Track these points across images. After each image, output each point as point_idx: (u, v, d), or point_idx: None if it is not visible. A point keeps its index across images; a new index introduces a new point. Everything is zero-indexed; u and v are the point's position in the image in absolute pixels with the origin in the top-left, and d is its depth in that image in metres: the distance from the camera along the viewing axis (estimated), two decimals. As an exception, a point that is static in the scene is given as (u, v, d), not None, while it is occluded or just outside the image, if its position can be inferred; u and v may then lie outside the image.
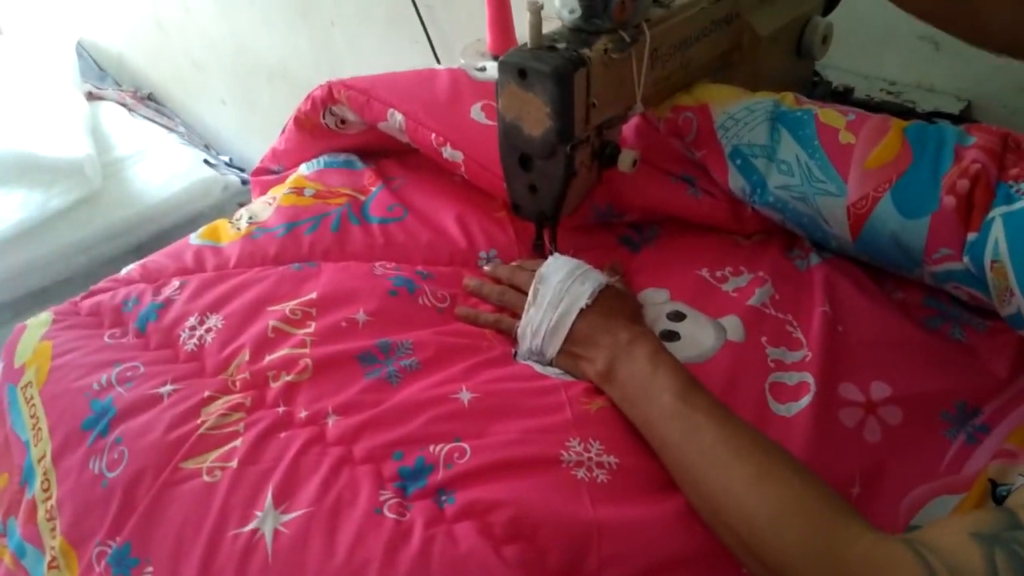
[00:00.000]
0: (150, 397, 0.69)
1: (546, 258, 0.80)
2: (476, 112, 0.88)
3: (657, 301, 0.78)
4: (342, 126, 0.96)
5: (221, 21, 2.16)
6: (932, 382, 0.68)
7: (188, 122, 2.54)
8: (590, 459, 0.62)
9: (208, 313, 0.76)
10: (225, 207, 2.19)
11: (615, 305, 0.73)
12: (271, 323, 0.74)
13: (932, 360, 0.70)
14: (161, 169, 2.18)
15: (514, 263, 0.82)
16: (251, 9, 2.04)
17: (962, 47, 1.03)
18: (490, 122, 0.86)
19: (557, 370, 0.72)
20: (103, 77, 2.65)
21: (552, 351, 0.71)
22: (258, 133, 2.35)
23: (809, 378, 0.67)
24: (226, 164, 2.35)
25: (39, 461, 0.69)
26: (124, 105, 2.48)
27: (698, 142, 0.80)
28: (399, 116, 0.88)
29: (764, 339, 0.71)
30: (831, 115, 0.76)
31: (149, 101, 2.59)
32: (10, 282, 1.92)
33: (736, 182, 0.78)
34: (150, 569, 0.59)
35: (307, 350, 0.71)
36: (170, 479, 0.63)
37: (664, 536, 0.58)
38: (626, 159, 0.73)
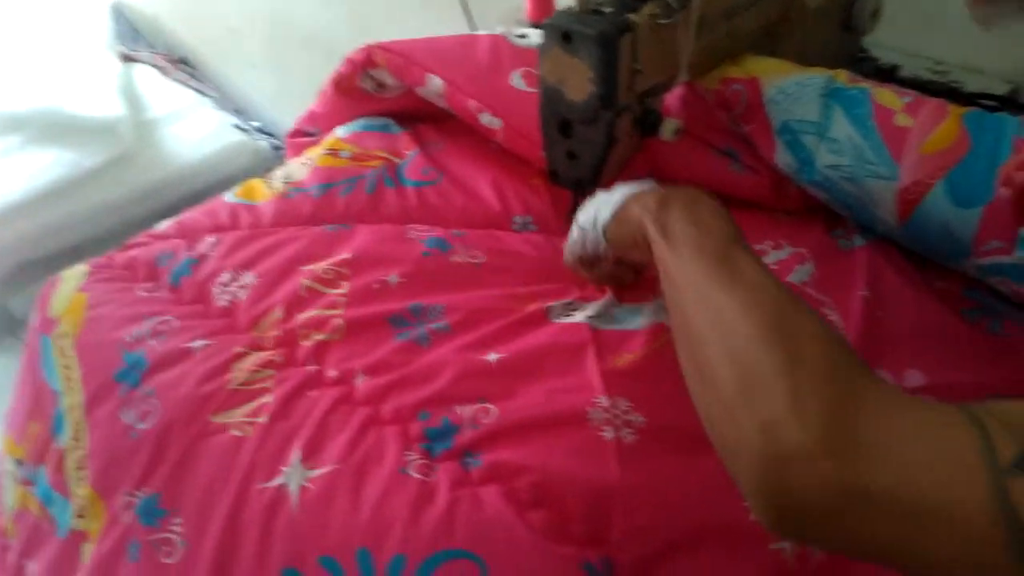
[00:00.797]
0: (182, 351, 0.70)
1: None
2: (516, 79, 0.87)
3: None
4: (380, 90, 0.96)
5: (257, -15, 2.15)
6: (967, 374, 0.67)
7: (221, 86, 2.54)
8: (617, 417, 0.62)
9: (241, 270, 0.77)
10: (255, 172, 2.15)
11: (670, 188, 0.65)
12: (304, 282, 0.74)
13: (969, 352, 0.68)
14: (193, 132, 2.18)
15: None
16: (287, -27, 2.03)
17: (1011, 28, 1.01)
18: (530, 89, 0.85)
19: (592, 309, 0.71)
20: (137, 39, 2.65)
21: (606, 214, 0.66)
22: (291, 100, 2.33)
23: None
24: (257, 130, 2.35)
25: (70, 411, 0.70)
26: (157, 68, 2.48)
27: (746, 115, 0.79)
28: (438, 81, 0.88)
29: None
30: (887, 96, 0.74)
31: (183, 65, 2.59)
32: (43, 240, 1.93)
33: (783, 158, 0.77)
34: (178, 520, 0.60)
35: (339, 311, 0.71)
36: (200, 432, 0.64)
37: (690, 505, 0.58)
38: (668, 128, 0.72)
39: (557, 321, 0.71)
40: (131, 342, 0.72)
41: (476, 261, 0.78)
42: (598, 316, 0.71)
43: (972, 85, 1.01)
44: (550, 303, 0.73)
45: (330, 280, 0.74)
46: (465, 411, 0.63)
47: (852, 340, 0.67)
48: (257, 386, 0.66)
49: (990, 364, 0.68)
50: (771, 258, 0.76)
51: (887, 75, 0.97)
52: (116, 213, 1.99)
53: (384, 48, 0.91)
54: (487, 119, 0.85)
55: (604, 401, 0.62)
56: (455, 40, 0.96)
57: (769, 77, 0.78)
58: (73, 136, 2.05)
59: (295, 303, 0.73)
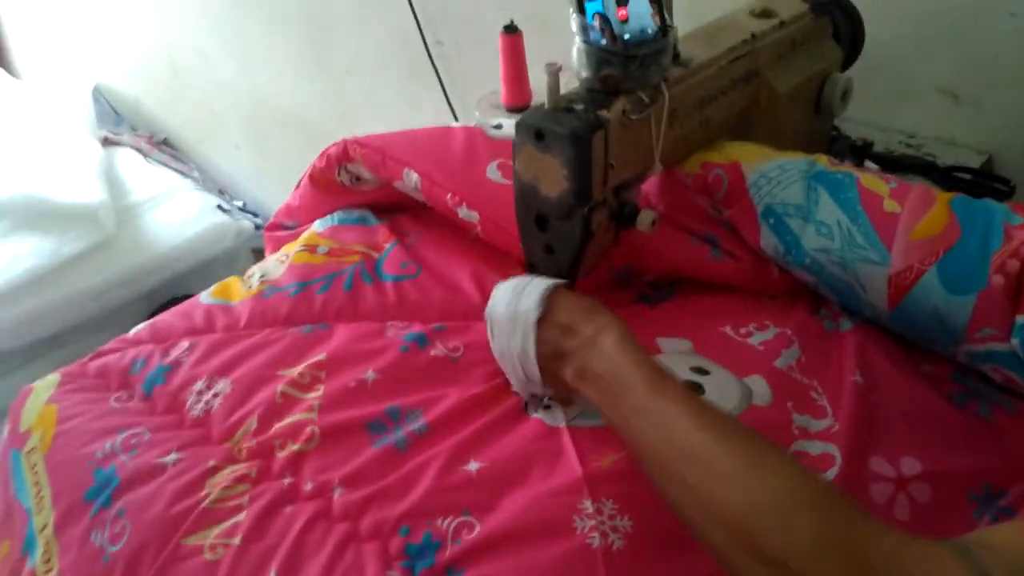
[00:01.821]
0: (154, 466, 0.68)
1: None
2: (492, 171, 0.87)
3: (679, 350, 0.75)
4: (357, 183, 0.96)
5: (237, 69, 2.18)
6: (961, 460, 0.65)
7: (202, 167, 2.56)
8: (603, 523, 0.59)
9: (216, 377, 0.75)
10: (238, 252, 2.19)
11: (569, 303, 0.67)
12: (279, 388, 0.73)
13: (961, 438, 0.67)
14: (175, 214, 2.18)
15: None
16: (267, 57, 2.05)
17: (982, 99, 1.03)
18: (506, 181, 0.85)
19: (570, 412, 0.70)
20: (119, 122, 2.67)
21: (537, 376, 0.66)
22: (272, 178, 2.36)
23: (834, 450, 0.64)
24: (240, 209, 2.36)
25: (41, 531, 0.68)
26: (139, 150, 2.49)
27: (728, 200, 0.79)
28: (415, 176, 0.88)
29: (790, 404, 0.69)
30: (873, 181, 0.74)
31: (164, 146, 2.61)
32: (22, 328, 1.91)
33: (768, 241, 0.77)
34: None
35: (315, 415, 0.70)
36: (172, 556, 0.62)
37: None
38: (645, 219, 0.72)
39: (536, 415, 0.70)
40: (102, 458, 0.70)
41: (455, 355, 0.77)
42: (578, 414, 0.70)
43: (946, 157, 1.03)
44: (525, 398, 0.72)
45: (306, 384, 0.73)
46: (446, 524, 0.61)
47: (844, 427, 0.66)
48: (231, 503, 0.65)
49: (984, 450, 0.67)
50: (756, 339, 0.75)
51: (861, 151, 0.97)
52: (97, 299, 1.98)
53: (360, 143, 0.91)
54: (464, 212, 0.85)
55: (589, 506, 0.60)
56: (431, 133, 0.96)
57: (750, 161, 0.78)
58: (53, 223, 2.05)
59: (270, 411, 0.71)
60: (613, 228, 0.74)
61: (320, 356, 0.75)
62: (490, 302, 0.70)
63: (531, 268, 0.78)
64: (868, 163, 0.99)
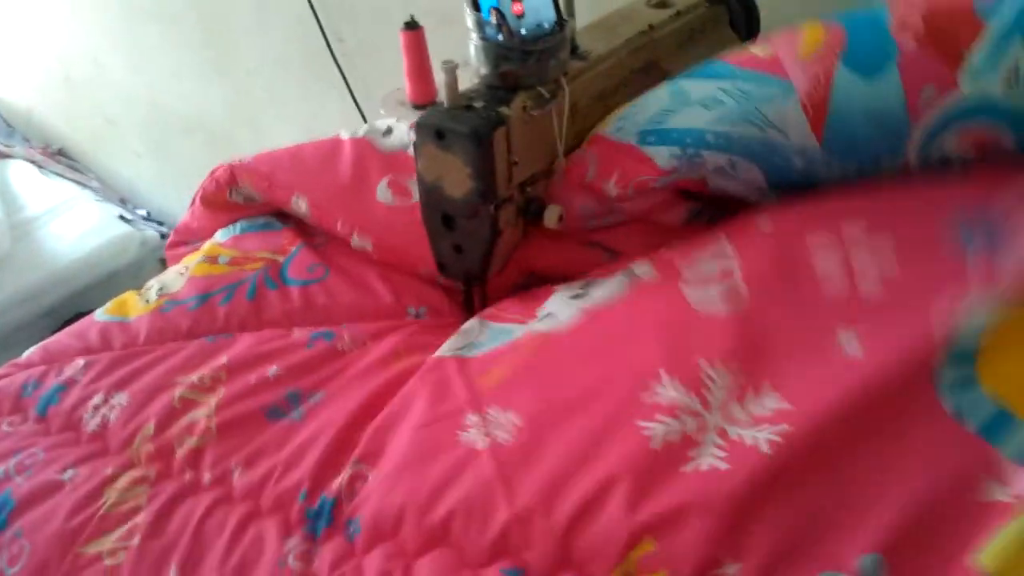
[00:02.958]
0: (51, 483, 0.66)
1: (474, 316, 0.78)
2: (382, 191, 0.83)
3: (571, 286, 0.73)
4: (251, 201, 0.93)
5: (133, 74, 2.10)
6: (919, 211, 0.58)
7: (102, 177, 2.46)
8: (486, 425, 0.59)
9: (114, 391, 0.73)
10: (144, 263, 2.11)
11: None
12: (178, 393, 0.71)
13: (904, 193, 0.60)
14: (74, 227, 2.09)
15: None
16: (164, 61, 1.99)
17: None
18: (397, 201, 0.82)
19: (458, 338, 0.69)
20: (11, 134, 2.56)
21: None
22: (176, 184, 2.28)
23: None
24: (143, 218, 2.28)
25: None
26: (34, 162, 2.38)
27: (602, 168, 0.71)
28: (304, 203, 0.85)
29: (681, 263, 0.64)
30: (736, 51, 0.69)
31: (60, 156, 2.50)
32: (-85, 354, 1.82)
33: (663, 157, 0.68)
34: None
35: (212, 410, 0.69)
36: (72, 568, 0.60)
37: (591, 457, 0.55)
38: (552, 215, 0.71)
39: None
40: None
41: (363, 349, 0.76)
42: (464, 346, 0.69)
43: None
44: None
45: (206, 387, 0.72)
46: (341, 480, 0.60)
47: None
48: (128, 505, 0.63)
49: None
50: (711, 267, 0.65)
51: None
52: (-4, 319, 1.89)
53: (246, 168, 0.88)
54: (356, 241, 0.83)
55: (473, 418, 0.60)
56: (319, 149, 0.89)
57: (603, 126, 0.73)
58: (-56, 242, 1.95)
59: (168, 415, 0.70)
60: (521, 224, 0.74)
61: (222, 360, 0.74)
62: None
63: (441, 268, 0.77)
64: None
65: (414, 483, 0.57)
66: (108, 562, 0.60)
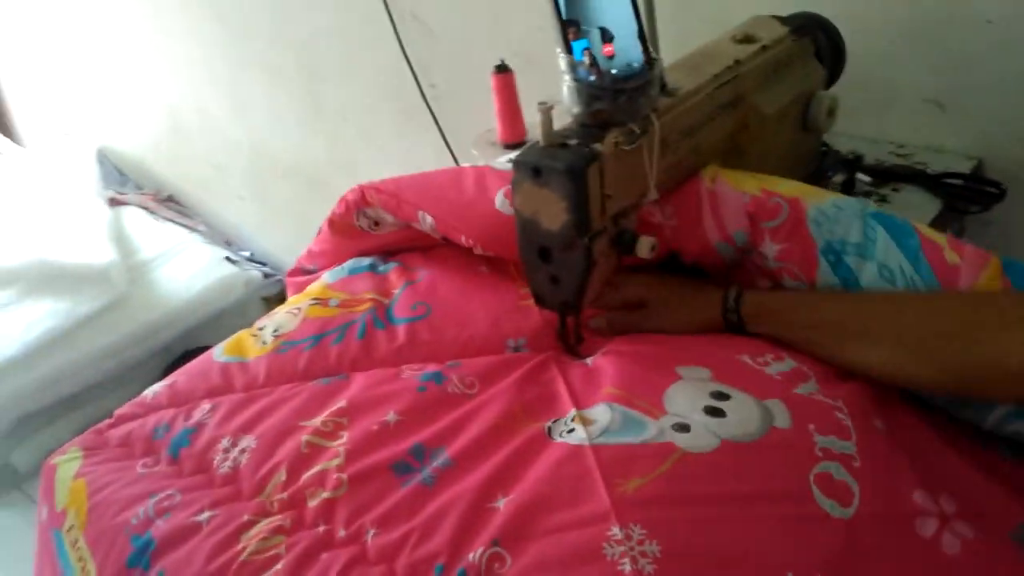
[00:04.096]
0: (189, 526, 0.70)
1: (572, 348, 0.81)
2: (500, 200, 0.88)
3: (698, 377, 0.74)
4: (376, 227, 0.98)
5: (236, 122, 2.22)
6: (995, 502, 0.65)
7: (208, 220, 2.60)
8: (632, 548, 0.60)
9: (241, 434, 0.77)
10: (249, 302, 2.21)
11: None
12: (304, 438, 0.74)
13: (991, 476, 0.67)
14: (184, 269, 2.22)
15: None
16: (266, 108, 2.10)
17: (967, 105, 1.05)
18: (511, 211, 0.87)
19: (592, 431, 0.69)
20: (124, 182, 2.72)
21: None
22: (277, 226, 2.39)
23: (854, 483, 0.64)
24: (247, 259, 2.39)
25: None
26: (146, 208, 2.54)
27: (785, 231, 0.77)
28: (429, 218, 0.90)
29: (812, 426, 0.68)
30: (930, 230, 0.74)
31: (170, 202, 2.65)
32: (43, 390, 1.94)
33: (826, 278, 0.75)
34: None
35: (342, 460, 0.71)
36: None
37: None
38: (644, 245, 0.74)
39: (559, 440, 0.70)
40: (136, 524, 0.71)
41: (471, 392, 0.78)
42: (601, 433, 0.70)
43: (936, 164, 1.05)
44: (548, 423, 0.73)
45: (329, 432, 0.74)
46: (478, 557, 0.62)
47: (870, 461, 0.66)
48: (269, 554, 0.66)
49: (1011, 488, 0.67)
50: (773, 368, 0.74)
51: (852, 165, 1.00)
52: (113, 358, 2.01)
53: (376, 188, 0.94)
54: (479, 250, 0.88)
55: (618, 532, 0.61)
56: (443, 174, 0.97)
57: (808, 197, 0.77)
58: (66, 285, 2.09)
59: (298, 462, 0.72)
60: (615, 255, 0.77)
61: (341, 404, 0.77)
62: None
63: (538, 299, 0.80)
64: (860, 175, 1.02)
65: None
66: None
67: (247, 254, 2.45)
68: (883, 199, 1.00)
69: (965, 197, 1.01)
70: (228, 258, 2.30)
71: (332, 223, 1.00)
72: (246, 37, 2.02)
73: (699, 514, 0.62)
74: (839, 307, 0.73)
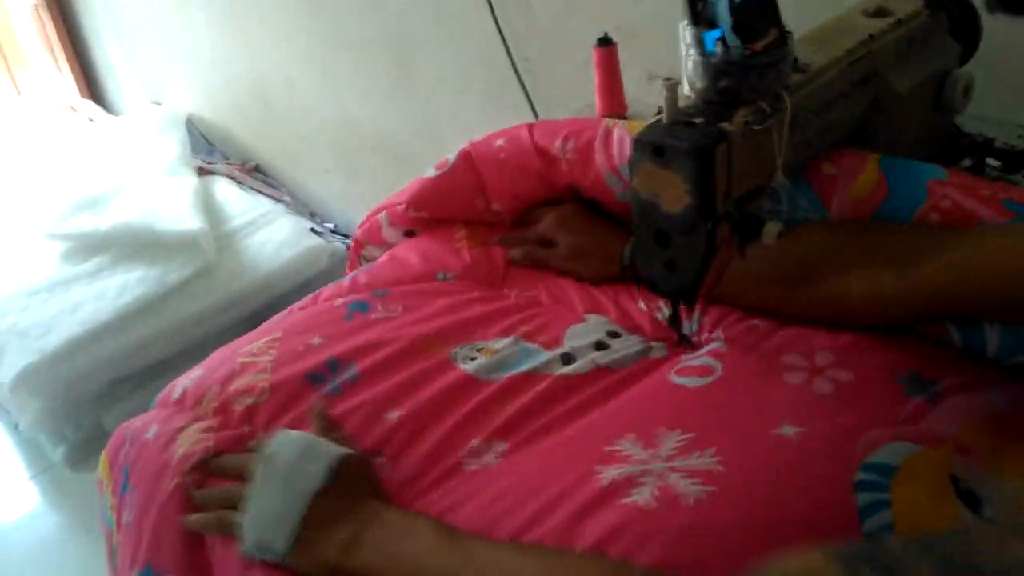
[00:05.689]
0: (143, 441, 0.81)
1: (683, 336, 0.78)
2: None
3: (599, 320, 0.89)
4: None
5: (324, 94, 2.22)
6: (879, 356, 0.73)
7: (293, 191, 2.61)
8: (485, 456, 0.74)
9: (195, 369, 0.89)
10: (334, 273, 2.22)
11: (357, 484, 0.69)
12: (239, 360, 0.85)
13: (878, 342, 0.75)
14: (271, 239, 2.24)
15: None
16: (353, 82, 2.09)
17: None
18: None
19: (493, 358, 0.81)
20: (212, 151, 2.76)
21: (282, 543, 0.66)
22: (362, 200, 2.39)
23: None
24: (331, 231, 2.40)
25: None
26: (232, 178, 2.57)
27: None
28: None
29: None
30: None
31: (256, 172, 2.68)
32: (133, 356, 1.99)
33: None
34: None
35: (267, 374, 0.82)
36: (166, 499, 0.74)
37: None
38: (771, 231, 0.70)
39: (460, 366, 0.81)
40: (122, 461, 0.82)
41: (393, 315, 0.89)
42: (495, 366, 0.80)
43: (1070, 150, 0.98)
44: (454, 348, 0.83)
45: (260, 352, 0.85)
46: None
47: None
48: (200, 445, 0.76)
49: (902, 345, 0.75)
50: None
51: (983, 148, 0.94)
52: (202, 325, 2.04)
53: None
54: (411, 213, 1.06)
55: (476, 442, 0.74)
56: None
57: None
58: (158, 252, 2.13)
59: (230, 377, 0.83)
60: (736, 241, 0.73)
61: (276, 334, 0.88)
62: (271, 446, 0.71)
63: (650, 285, 0.77)
64: (989, 160, 0.96)
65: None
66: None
67: (331, 226, 2.46)
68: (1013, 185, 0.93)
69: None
70: (313, 229, 2.31)
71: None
72: (336, 10, 2.01)
73: (550, 422, 0.75)
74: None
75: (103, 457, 0.87)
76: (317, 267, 2.19)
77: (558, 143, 0.95)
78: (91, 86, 3.41)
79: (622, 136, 0.90)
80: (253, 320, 2.11)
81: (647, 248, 0.74)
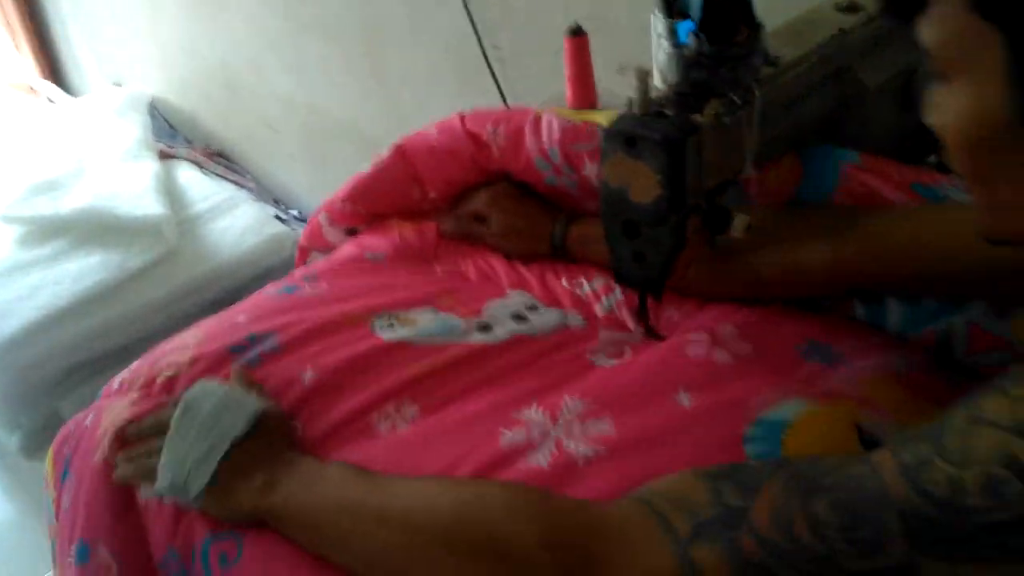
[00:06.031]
0: (83, 429, 0.82)
1: (651, 330, 0.78)
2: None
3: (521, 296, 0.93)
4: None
5: (292, 81, 2.19)
6: (782, 327, 0.77)
7: (259, 178, 2.58)
8: (394, 416, 0.78)
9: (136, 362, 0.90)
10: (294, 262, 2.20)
11: (274, 436, 0.72)
12: (173, 343, 0.88)
13: (773, 313, 0.79)
14: (234, 226, 2.20)
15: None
16: (322, 69, 2.06)
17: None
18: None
19: (413, 327, 0.84)
20: (174, 135, 2.71)
21: (195, 488, 0.67)
22: (327, 188, 2.35)
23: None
24: (295, 218, 2.37)
25: None
26: (196, 163, 2.52)
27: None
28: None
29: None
30: None
31: (219, 157, 2.63)
32: (91, 341, 1.95)
33: None
34: (103, 550, 0.72)
35: (191, 349, 0.84)
36: (95, 472, 0.76)
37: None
38: (739, 224, 0.70)
39: (377, 334, 0.83)
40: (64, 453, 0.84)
41: (318, 293, 0.92)
42: (412, 335, 0.83)
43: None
44: (373, 319, 0.85)
45: (189, 335, 0.88)
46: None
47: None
48: (120, 417, 0.78)
49: (803, 319, 0.79)
50: (585, 288, 0.92)
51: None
52: (163, 311, 2.01)
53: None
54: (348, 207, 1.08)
55: (389, 407, 0.77)
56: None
57: None
58: (118, 237, 2.09)
59: (158, 358, 0.85)
60: (706, 233, 0.73)
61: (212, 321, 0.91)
62: (190, 394, 0.73)
63: (618, 277, 0.76)
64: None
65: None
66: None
67: (295, 213, 2.43)
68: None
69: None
70: (278, 216, 2.28)
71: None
72: (305, -5, 1.98)
73: (462, 389, 0.78)
74: None
75: (49, 454, 0.86)
76: (280, 255, 2.16)
77: (489, 128, 0.96)
78: (51, 66, 3.33)
79: (551, 120, 0.92)
80: (214, 307, 2.06)
81: (616, 239, 0.73)
